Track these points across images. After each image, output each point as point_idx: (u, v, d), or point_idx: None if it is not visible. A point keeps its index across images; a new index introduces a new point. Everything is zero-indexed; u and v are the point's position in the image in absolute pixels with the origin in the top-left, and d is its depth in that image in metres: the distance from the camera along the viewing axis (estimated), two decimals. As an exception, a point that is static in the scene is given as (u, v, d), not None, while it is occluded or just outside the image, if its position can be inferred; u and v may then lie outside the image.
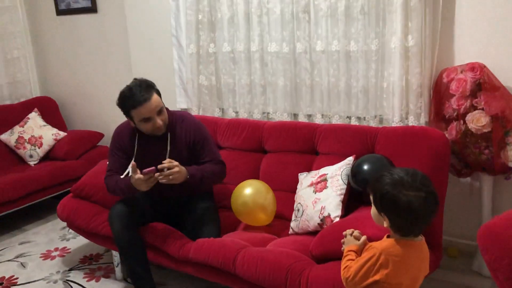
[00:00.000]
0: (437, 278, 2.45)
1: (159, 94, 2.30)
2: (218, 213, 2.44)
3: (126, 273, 2.65)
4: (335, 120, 2.78)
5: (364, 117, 2.72)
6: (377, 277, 1.36)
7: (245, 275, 1.98)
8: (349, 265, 1.45)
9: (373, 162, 2.16)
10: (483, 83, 2.25)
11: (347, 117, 2.76)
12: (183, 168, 2.19)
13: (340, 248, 1.81)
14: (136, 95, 2.20)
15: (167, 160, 2.15)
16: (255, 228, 2.40)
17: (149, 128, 2.27)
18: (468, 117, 2.27)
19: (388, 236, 1.45)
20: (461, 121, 2.31)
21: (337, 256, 1.89)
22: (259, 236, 2.27)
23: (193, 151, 2.40)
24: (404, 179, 1.33)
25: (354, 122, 2.73)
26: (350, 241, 1.56)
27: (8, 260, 2.97)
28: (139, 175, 2.13)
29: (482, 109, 2.24)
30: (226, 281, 2.14)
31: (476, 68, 2.27)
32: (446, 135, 2.32)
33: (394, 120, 2.58)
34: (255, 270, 1.95)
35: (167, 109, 2.37)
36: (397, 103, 2.55)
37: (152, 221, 2.40)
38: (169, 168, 2.12)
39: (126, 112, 2.27)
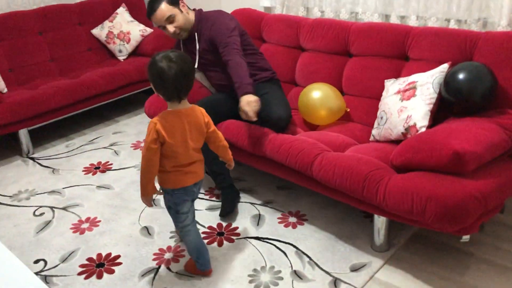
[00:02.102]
0: None
1: (172, 1, 2.34)
2: (285, 96, 2.51)
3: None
4: (432, 23, 2.53)
5: (466, 20, 2.44)
6: (160, 138, 1.70)
7: (322, 180, 2.01)
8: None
9: (470, 71, 1.97)
10: None
11: (446, 19, 2.50)
12: (247, 98, 2.11)
13: (424, 159, 1.76)
14: (148, 6, 2.37)
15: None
16: (336, 130, 2.38)
17: (167, 34, 2.44)
18: None
19: None
20: None
21: (420, 167, 1.85)
22: (340, 140, 2.25)
23: (216, 48, 2.41)
24: (168, 55, 1.66)
25: (453, 25, 2.48)
26: None
27: (104, 147, 3.26)
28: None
29: None
30: (303, 182, 2.19)
31: None
32: None
33: (500, 24, 2.30)
34: (332, 175, 1.96)
35: (196, 10, 2.48)
36: (507, 3, 2.24)
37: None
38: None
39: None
